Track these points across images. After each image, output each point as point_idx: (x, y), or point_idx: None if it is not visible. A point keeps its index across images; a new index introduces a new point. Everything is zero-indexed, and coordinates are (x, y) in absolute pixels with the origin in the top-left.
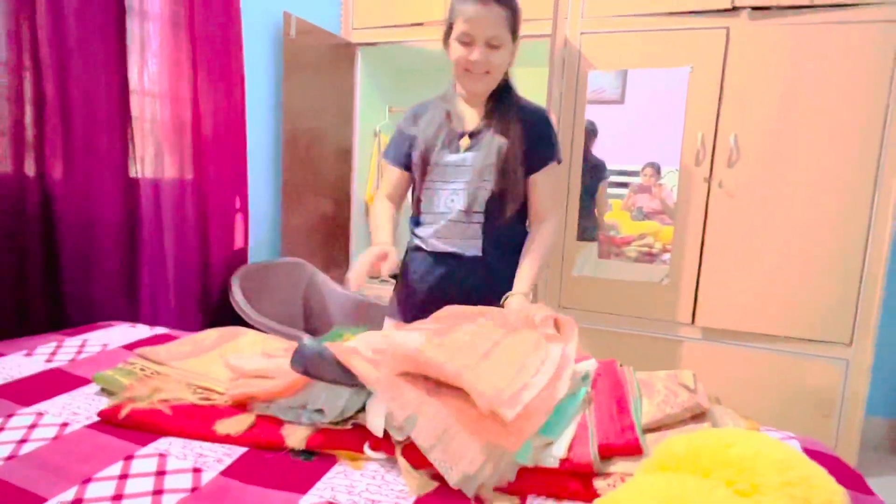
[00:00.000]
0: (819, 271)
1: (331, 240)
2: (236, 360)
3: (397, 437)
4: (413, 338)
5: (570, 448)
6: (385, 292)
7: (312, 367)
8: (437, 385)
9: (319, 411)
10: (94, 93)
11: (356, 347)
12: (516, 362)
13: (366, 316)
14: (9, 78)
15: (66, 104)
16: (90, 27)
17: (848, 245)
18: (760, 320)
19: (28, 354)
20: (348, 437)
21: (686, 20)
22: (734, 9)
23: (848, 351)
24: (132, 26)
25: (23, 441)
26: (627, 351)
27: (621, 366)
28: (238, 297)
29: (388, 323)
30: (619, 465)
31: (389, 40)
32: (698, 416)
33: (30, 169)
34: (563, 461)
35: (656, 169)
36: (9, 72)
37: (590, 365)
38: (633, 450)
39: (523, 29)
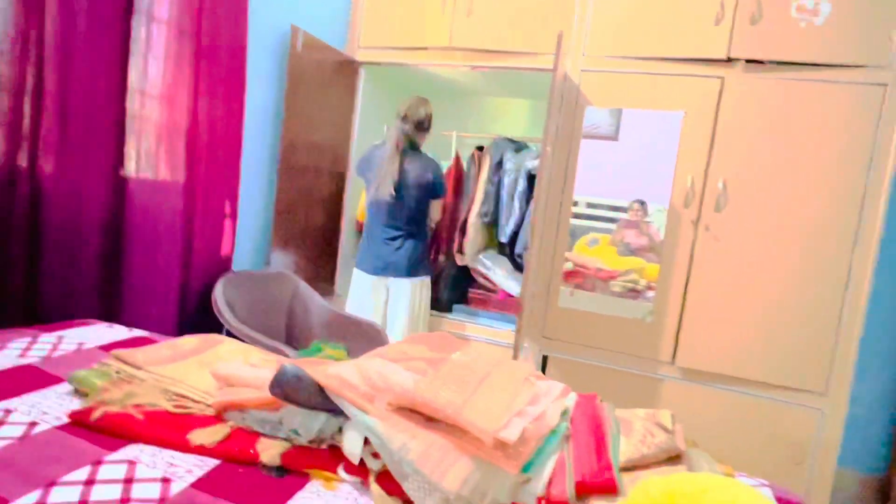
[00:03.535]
0: (798, 320)
1: (319, 254)
2: (224, 368)
3: (373, 466)
4: (407, 376)
5: (548, 485)
6: None
7: (292, 392)
8: (432, 420)
9: (295, 431)
10: (94, 90)
11: (346, 379)
12: (509, 390)
13: (347, 332)
14: (11, 69)
15: (64, 99)
16: (96, 24)
17: (827, 296)
18: (739, 364)
19: (0, 348)
20: (323, 456)
21: (683, 66)
22: (729, 60)
23: (823, 401)
24: (138, 28)
25: None
26: (607, 385)
27: (601, 401)
28: (221, 304)
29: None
30: None
31: (393, 61)
32: (674, 457)
33: (22, 161)
34: (540, 498)
35: (643, 206)
36: (11, 63)
37: (569, 400)
38: (610, 489)
39: (526, 61)
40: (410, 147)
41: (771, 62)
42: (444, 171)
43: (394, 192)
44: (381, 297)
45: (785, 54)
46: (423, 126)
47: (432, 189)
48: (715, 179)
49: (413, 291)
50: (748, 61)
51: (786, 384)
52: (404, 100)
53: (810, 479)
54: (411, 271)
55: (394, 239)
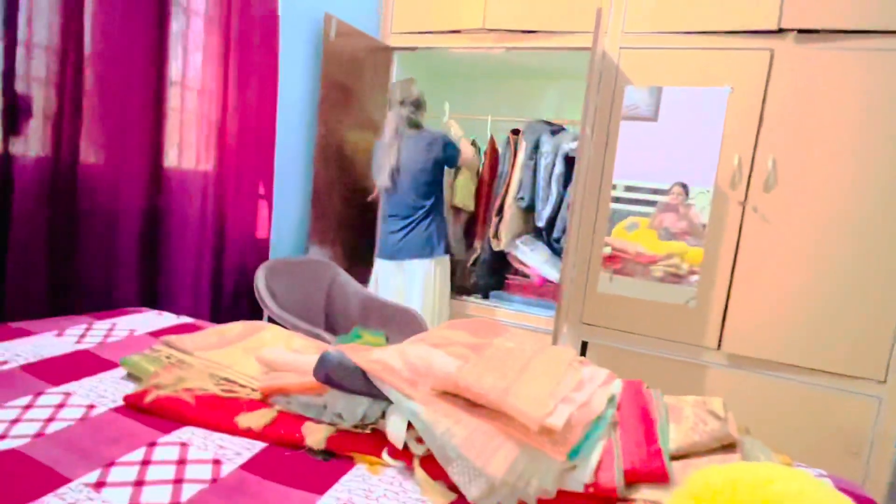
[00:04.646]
0: (854, 304)
1: (356, 240)
2: (268, 354)
3: (416, 450)
4: (450, 362)
5: (596, 472)
6: None
7: (335, 376)
8: (475, 405)
9: (339, 415)
10: (132, 83)
11: (389, 364)
12: (553, 376)
13: (385, 319)
14: (56, 64)
15: (104, 93)
16: (136, 19)
17: (886, 279)
18: (790, 350)
19: (59, 335)
20: (367, 441)
21: (729, 40)
22: (780, 31)
23: (881, 388)
24: (174, 21)
25: (50, 420)
26: (650, 372)
27: (647, 388)
28: (263, 292)
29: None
30: (644, 492)
31: (427, 45)
32: (728, 446)
33: (65, 152)
34: (588, 486)
35: (685, 189)
36: (56, 58)
37: (615, 387)
38: (660, 477)
39: (563, 41)
40: (414, 126)
41: (825, 31)
42: (482, 153)
43: (391, 182)
44: (399, 281)
45: (841, 22)
46: (420, 105)
47: (444, 161)
48: (764, 158)
49: (427, 271)
50: (800, 31)
51: (841, 371)
52: (392, 87)
53: (866, 470)
54: (424, 251)
55: (405, 224)
